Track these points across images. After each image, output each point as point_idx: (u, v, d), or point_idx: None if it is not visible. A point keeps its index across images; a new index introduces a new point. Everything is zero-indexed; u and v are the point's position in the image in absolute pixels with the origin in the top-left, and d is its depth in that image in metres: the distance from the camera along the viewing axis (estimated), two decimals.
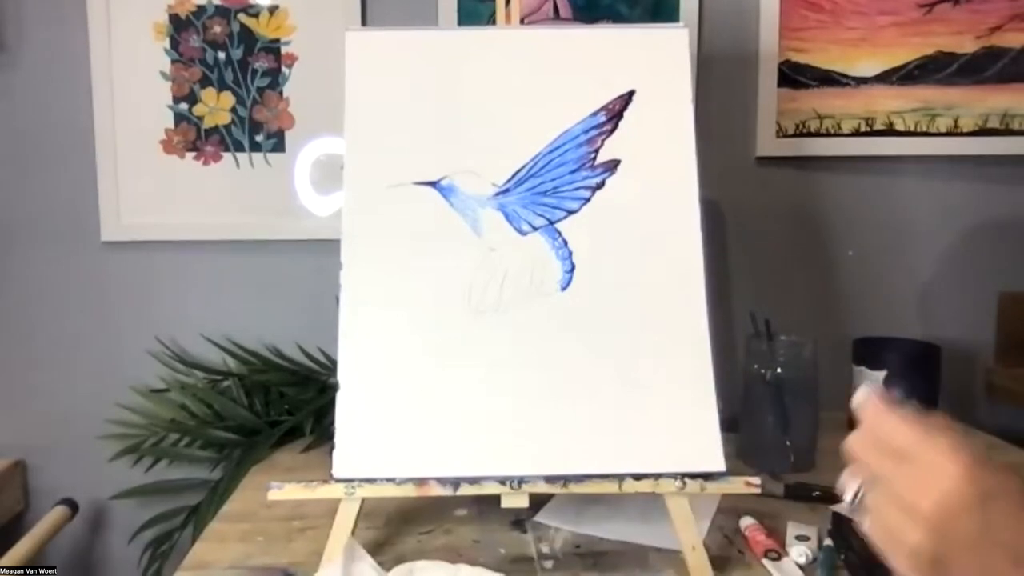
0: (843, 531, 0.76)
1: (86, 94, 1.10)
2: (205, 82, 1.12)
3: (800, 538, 0.76)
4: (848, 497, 0.45)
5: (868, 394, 0.45)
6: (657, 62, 0.79)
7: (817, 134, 1.16)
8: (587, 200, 0.76)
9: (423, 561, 0.68)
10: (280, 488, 0.69)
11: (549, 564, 0.73)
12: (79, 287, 1.15)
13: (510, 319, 0.73)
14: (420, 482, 0.69)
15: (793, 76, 1.15)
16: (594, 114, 0.78)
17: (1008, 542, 0.39)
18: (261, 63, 1.12)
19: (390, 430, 0.70)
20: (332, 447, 0.69)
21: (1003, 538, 0.39)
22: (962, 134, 1.17)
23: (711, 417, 0.71)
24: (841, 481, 0.46)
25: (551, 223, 0.76)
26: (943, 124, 1.16)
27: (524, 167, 0.77)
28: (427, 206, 0.76)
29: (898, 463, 0.41)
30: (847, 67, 1.15)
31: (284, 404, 1.09)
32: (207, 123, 1.12)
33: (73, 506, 1.10)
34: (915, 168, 1.19)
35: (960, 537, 0.39)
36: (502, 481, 0.69)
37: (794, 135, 1.16)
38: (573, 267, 0.75)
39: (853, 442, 0.44)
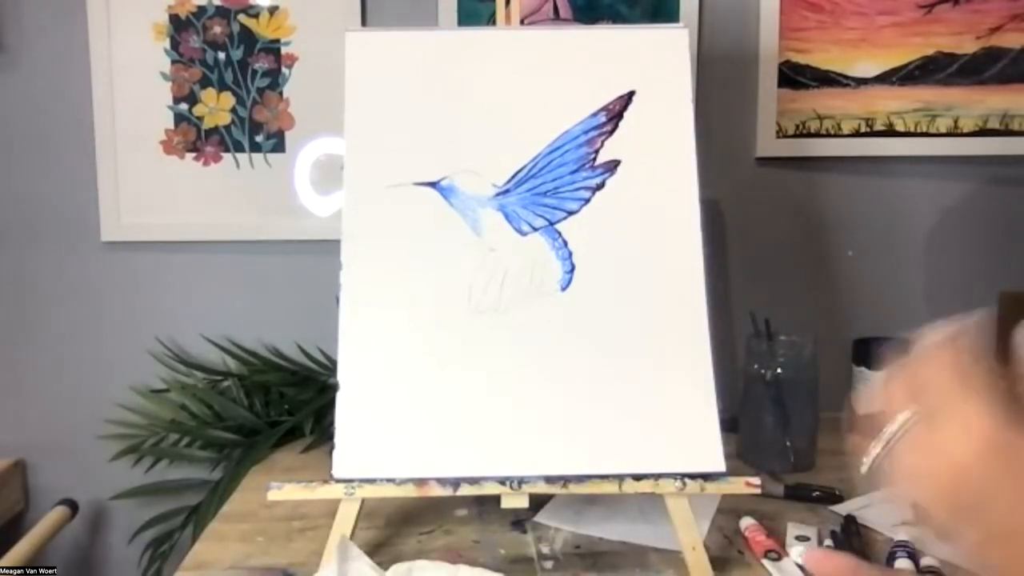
0: (843, 531, 0.76)
1: (86, 94, 1.10)
2: (205, 82, 1.12)
3: (800, 538, 0.76)
4: (894, 428, 0.46)
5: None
6: (657, 62, 0.79)
7: (817, 135, 1.16)
8: (587, 201, 0.76)
9: (422, 561, 0.68)
10: (280, 488, 0.69)
11: (549, 564, 0.73)
12: (79, 287, 1.15)
13: (510, 319, 0.73)
14: (420, 482, 0.69)
15: (793, 76, 1.15)
16: (594, 115, 0.78)
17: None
18: (261, 63, 1.12)
19: (390, 430, 0.70)
20: (332, 447, 0.69)
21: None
22: (962, 134, 1.17)
23: (711, 417, 0.71)
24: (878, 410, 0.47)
25: (551, 223, 0.76)
26: (943, 125, 1.16)
27: (524, 167, 0.77)
28: (427, 206, 0.76)
29: (928, 414, 0.43)
30: (847, 67, 1.15)
31: (284, 404, 1.09)
32: (207, 123, 1.12)
33: (73, 506, 1.10)
34: (915, 168, 1.19)
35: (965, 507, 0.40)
36: (502, 481, 0.69)
37: (794, 135, 1.16)
38: (573, 267, 0.75)
39: (896, 379, 0.46)
